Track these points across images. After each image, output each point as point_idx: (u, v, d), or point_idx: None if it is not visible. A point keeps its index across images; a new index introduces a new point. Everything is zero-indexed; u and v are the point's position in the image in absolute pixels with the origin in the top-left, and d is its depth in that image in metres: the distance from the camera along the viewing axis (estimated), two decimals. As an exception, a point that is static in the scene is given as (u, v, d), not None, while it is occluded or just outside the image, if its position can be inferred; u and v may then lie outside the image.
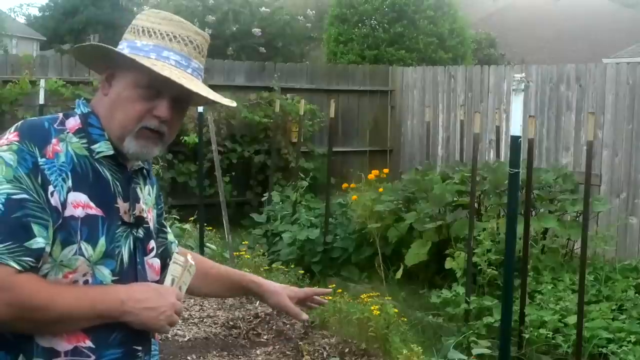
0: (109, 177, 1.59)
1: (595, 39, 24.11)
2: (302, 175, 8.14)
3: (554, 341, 4.75)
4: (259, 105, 9.36)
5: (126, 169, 1.64)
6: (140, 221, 1.65)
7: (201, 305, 5.68)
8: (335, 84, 10.11)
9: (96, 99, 1.65)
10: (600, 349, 4.66)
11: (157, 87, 1.58)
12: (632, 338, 4.65)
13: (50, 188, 1.48)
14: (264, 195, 8.41)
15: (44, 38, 30.01)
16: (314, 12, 16.59)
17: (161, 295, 1.58)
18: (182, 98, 1.62)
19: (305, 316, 1.99)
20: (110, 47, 1.59)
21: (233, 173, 9.10)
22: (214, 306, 5.69)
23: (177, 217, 6.88)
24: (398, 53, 11.90)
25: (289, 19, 15.95)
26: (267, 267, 6.32)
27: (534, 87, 7.97)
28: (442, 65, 10.31)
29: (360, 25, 12.24)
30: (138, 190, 1.67)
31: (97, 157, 1.57)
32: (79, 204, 1.51)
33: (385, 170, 7.92)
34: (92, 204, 1.53)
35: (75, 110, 1.62)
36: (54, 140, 1.52)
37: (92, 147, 1.57)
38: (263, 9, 15.55)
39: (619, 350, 4.55)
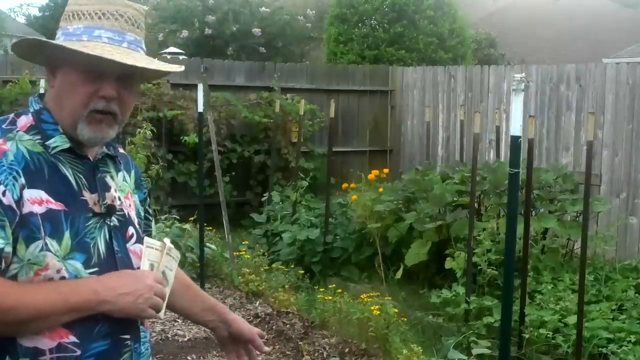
0: (69, 170, 1.58)
1: (595, 39, 24.11)
2: (302, 175, 8.14)
3: (554, 341, 4.75)
4: (259, 105, 9.36)
5: (88, 160, 1.63)
6: (112, 210, 1.64)
7: (201, 305, 5.68)
8: (335, 84, 10.10)
9: (48, 93, 1.65)
10: (600, 349, 4.66)
11: (97, 68, 1.56)
12: (632, 338, 4.65)
13: (2, 188, 1.46)
14: (264, 195, 8.41)
15: (44, 38, 29.98)
16: (314, 12, 16.59)
17: (137, 278, 1.57)
18: (127, 74, 1.60)
19: (267, 348, 1.99)
20: (40, 39, 1.59)
21: (233, 173, 9.10)
22: (214, 306, 5.69)
23: (177, 217, 6.87)
24: (398, 53, 11.90)
25: (289, 19, 15.95)
26: (267, 267, 6.32)
27: (534, 87, 7.97)
28: (442, 65, 10.31)
29: (360, 25, 12.24)
30: (108, 178, 1.66)
31: (53, 152, 1.56)
32: (36, 200, 1.50)
33: (385, 170, 7.92)
34: (51, 199, 1.52)
35: (29, 108, 1.62)
36: (0, 141, 1.51)
37: (47, 142, 1.57)
38: (263, 9, 15.55)
39: (619, 350, 4.55)
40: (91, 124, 1.58)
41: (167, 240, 1.69)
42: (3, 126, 1.56)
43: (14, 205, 1.47)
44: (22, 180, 1.49)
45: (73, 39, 1.57)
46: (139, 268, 1.66)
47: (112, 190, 1.66)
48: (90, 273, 1.55)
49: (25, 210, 1.48)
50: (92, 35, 1.57)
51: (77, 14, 1.58)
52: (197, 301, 1.89)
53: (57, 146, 1.57)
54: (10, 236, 1.46)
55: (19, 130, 1.56)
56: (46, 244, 1.49)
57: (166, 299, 1.63)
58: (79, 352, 1.53)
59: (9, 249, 1.46)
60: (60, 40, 1.58)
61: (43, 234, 1.49)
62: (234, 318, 1.92)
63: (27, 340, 1.49)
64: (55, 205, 1.52)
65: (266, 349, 1.97)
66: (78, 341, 1.53)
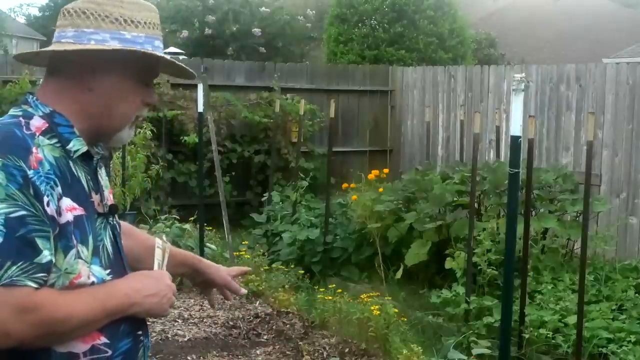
0: (82, 173, 1.57)
1: (595, 39, 24.12)
2: (302, 175, 8.14)
3: (554, 341, 4.75)
4: (259, 105, 9.36)
5: (92, 161, 1.62)
6: (114, 209, 1.65)
7: (201, 305, 5.68)
8: (335, 84, 10.11)
9: (57, 94, 1.58)
10: (600, 349, 4.66)
11: (152, 77, 1.64)
12: (632, 338, 4.65)
13: (45, 199, 1.44)
14: (264, 195, 8.41)
15: (44, 38, 30.01)
16: (314, 12, 16.61)
17: (157, 280, 1.62)
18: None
19: (244, 291, 2.06)
20: (126, 49, 1.55)
21: (233, 173, 9.10)
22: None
23: (177, 217, 6.87)
24: (398, 53, 11.90)
25: (289, 19, 15.96)
26: (267, 267, 6.32)
27: (534, 87, 7.97)
28: (442, 65, 10.32)
29: (360, 25, 12.25)
30: (99, 177, 1.66)
31: (74, 156, 1.55)
32: (69, 208, 1.49)
33: (385, 170, 7.92)
34: (76, 205, 1.51)
35: (31, 110, 1.56)
36: (34, 149, 1.47)
37: (67, 147, 1.54)
38: (263, 9, 15.57)
39: (619, 350, 4.55)
40: (132, 127, 1.65)
41: (165, 238, 1.76)
42: (25, 131, 1.50)
43: (55, 216, 1.46)
44: (59, 189, 1.48)
45: (137, 47, 1.57)
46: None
47: (104, 188, 1.67)
48: (107, 274, 1.56)
49: (63, 219, 1.47)
50: (153, 45, 1.59)
51: (132, 21, 1.57)
52: (169, 260, 1.92)
53: (77, 150, 1.56)
54: (53, 247, 1.45)
55: (38, 135, 1.51)
56: (78, 252, 1.49)
57: None
58: (110, 353, 1.54)
59: (54, 259, 1.45)
60: (115, 44, 1.55)
61: (75, 241, 1.49)
62: (205, 267, 1.98)
63: (62, 346, 1.49)
64: (79, 211, 1.52)
65: (244, 291, 2.04)
66: (109, 342, 1.54)
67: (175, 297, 1.65)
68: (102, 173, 1.69)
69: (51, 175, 1.47)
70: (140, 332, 1.64)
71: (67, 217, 1.48)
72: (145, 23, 1.59)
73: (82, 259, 1.50)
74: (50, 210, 1.44)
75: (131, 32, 1.57)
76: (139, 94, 1.62)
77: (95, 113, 1.59)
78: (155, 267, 1.69)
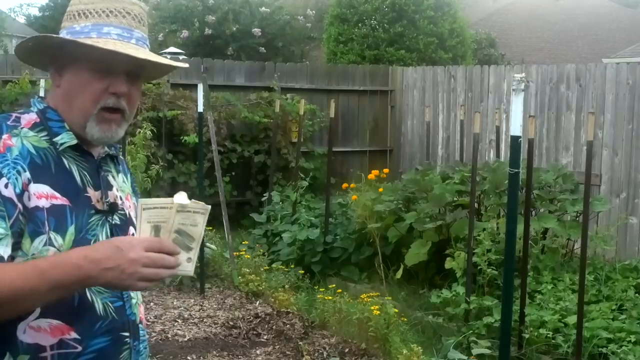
0: (74, 167, 1.59)
1: (595, 39, 24.12)
2: (302, 175, 8.14)
3: (554, 341, 4.75)
4: (259, 105, 9.35)
5: (93, 157, 1.65)
6: (114, 207, 1.65)
7: (201, 305, 5.68)
8: (335, 84, 10.10)
9: (51, 94, 1.67)
10: (600, 349, 4.66)
11: (107, 64, 1.57)
12: (632, 338, 4.65)
13: (4, 180, 1.47)
14: (264, 195, 8.41)
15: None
16: (314, 12, 16.59)
17: (120, 251, 1.42)
18: (134, 71, 1.62)
19: None
20: (50, 35, 1.59)
21: (233, 173, 9.10)
22: (214, 306, 5.69)
23: (177, 217, 6.86)
24: (398, 53, 11.90)
25: (289, 19, 15.95)
26: (267, 267, 6.32)
27: (534, 87, 7.97)
28: (442, 65, 10.31)
29: (360, 25, 12.25)
30: (110, 177, 1.68)
31: (61, 148, 1.58)
32: (42, 195, 1.50)
33: (385, 170, 7.92)
34: (56, 194, 1.52)
35: (32, 108, 1.64)
36: (5, 136, 1.52)
37: (55, 139, 1.58)
38: (263, 9, 15.55)
39: (619, 350, 4.55)
40: (100, 123, 1.59)
41: (178, 197, 1.52)
42: (8, 122, 1.57)
43: (14, 199, 1.47)
44: (27, 174, 1.50)
45: (81, 36, 1.57)
46: None
47: (114, 189, 1.68)
48: None
49: (32, 204, 1.49)
50: (101, 32, 1.57)
51: (84, 13, 1.59)
52: None
53: (64, 142, 1.59)
54: (9, 228, 1.45)
55: (23, 127, 1.57)
56: (50, 239, 1.49)
57: (195, 255, 1.55)
58: (80, 349, 1.53)
59: (7, 240, 1.45)
60: (66, 38, 1.59)
61: (47, 228, 1.49)
62: None
63: (28, 337, 1.49)
64: (61, 200, 1.53)
65: None
66: (79, 337, 1.53)
67: (145, 271, 1.43)
68: (116, 175, 1.71)
69: (19, 161, 1.50)
70: (126, 334, 1.61)
71: (39, 202, 1.50)
72: (97, 12, 1.59)
73: (54, 246, 1.49)
74: (9, 192, 1.46)
75: (80, 24, 1.58)
76: (96, 84, 1.57)
77: (64, 109, 1.61)
78: (146, 231, 1.47)
